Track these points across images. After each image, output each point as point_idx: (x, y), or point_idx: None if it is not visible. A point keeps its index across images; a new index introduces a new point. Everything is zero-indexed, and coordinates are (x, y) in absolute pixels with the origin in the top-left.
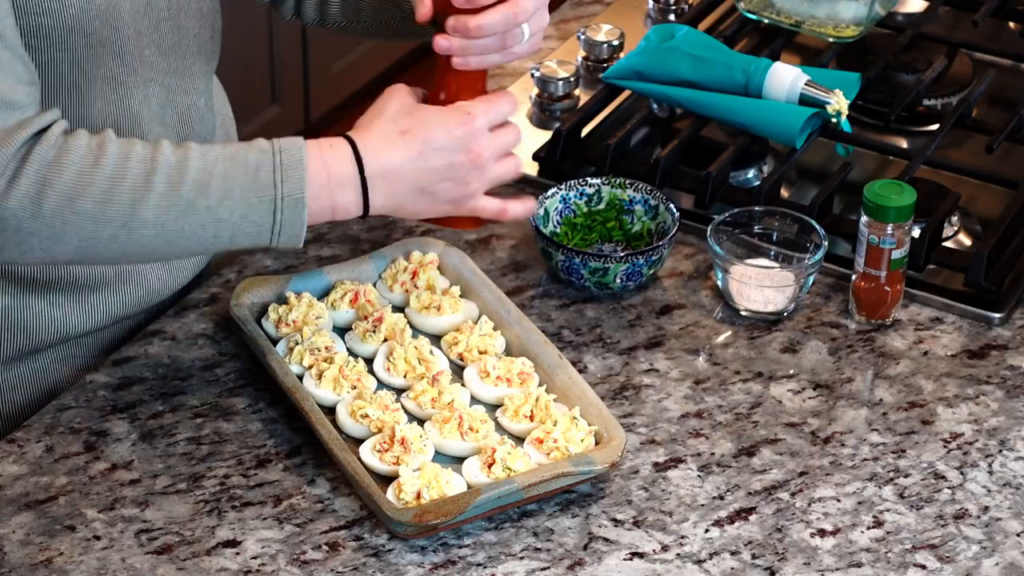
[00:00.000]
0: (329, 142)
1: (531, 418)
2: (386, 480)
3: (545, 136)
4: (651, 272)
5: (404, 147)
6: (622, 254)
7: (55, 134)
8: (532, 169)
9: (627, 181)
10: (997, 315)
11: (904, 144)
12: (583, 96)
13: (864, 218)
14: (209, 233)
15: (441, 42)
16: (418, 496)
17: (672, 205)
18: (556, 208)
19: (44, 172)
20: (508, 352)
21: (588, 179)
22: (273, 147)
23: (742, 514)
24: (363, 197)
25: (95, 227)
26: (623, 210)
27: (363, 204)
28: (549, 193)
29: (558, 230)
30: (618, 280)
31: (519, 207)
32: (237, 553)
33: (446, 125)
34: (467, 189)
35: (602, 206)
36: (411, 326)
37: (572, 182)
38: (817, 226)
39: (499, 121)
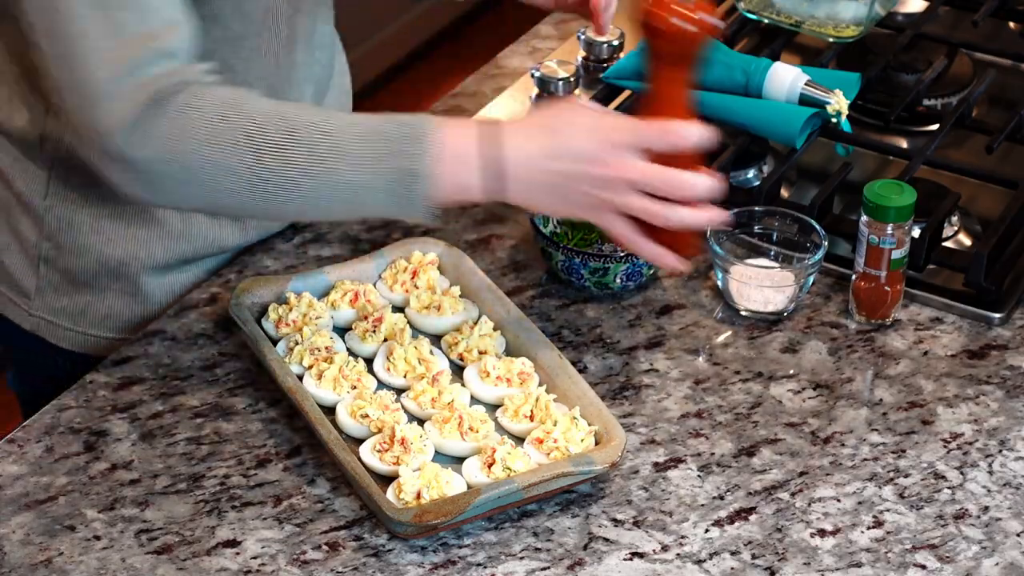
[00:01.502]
0: (458, 121)
1: (531, 418)
2: (386, 480)
3: None
4: (651, 272)
5: (545, 140)
6: (622, 254)
7: (201, 83)
8: None
9: None
10: (997, 315)
11: (904, 144)
12: (583, 96)
13: (864, 218)
14: (337, 197)
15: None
16: (418, 496)
17: None
18: None
19: (183, 118)
20: (508, 352)
21: None
22: (402, 120)
23: (742, 514)
24: (485, 179)
25: (226, 177)
26: None
27: (485, 188)
28: None
29: (558, 230)
30: (618, 280)
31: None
32: (237, 553)
33: (591, 133)
34: (594, 201)
35: None
36: (411, 326)
37: None
38: (817, 226)
39: (658, 146)
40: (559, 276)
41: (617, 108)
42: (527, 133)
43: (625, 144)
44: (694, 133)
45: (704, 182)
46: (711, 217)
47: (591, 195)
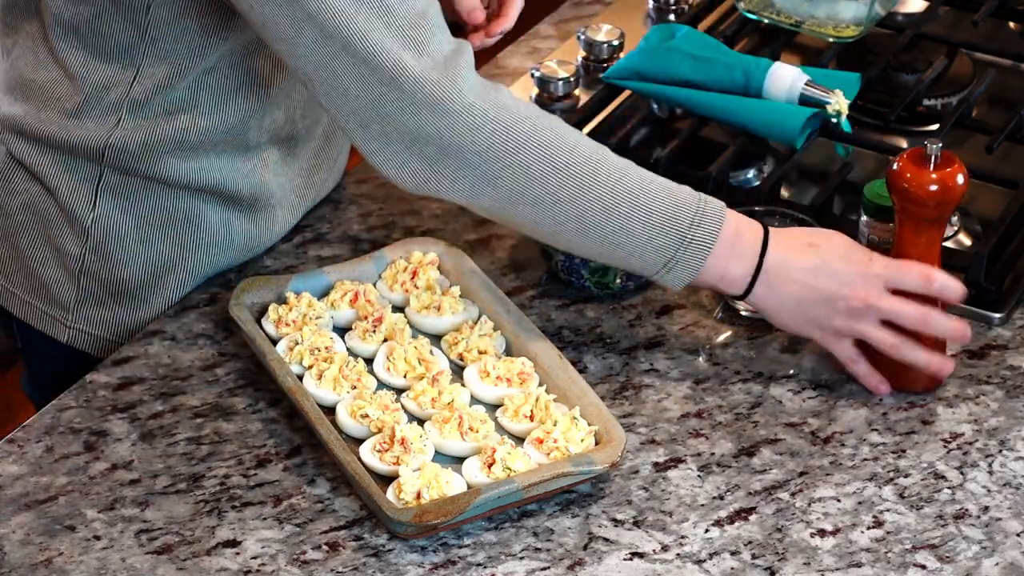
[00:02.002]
0: (747, 219)
1: (531, 418)
2: (386, 480)
3: None
4: None
5: (805, 256)
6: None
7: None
8: None
9: None
10: (997, 315)
11: (904, 144)
12: (583, 96)
13: (864, 218)
14: (612, 240)
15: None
16: (418, 496)
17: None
18: None
19: (500, 113)
20: (508, 352)
21: None
22: (700, 196)
23: (742, 514)
24: (752, 277)
25: (527, 182)
26: None
27: (749, 283)
28: None
29: None
30: (618, 280)
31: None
32: (237, 553)
33: (849, 259)
34: (835, 324)
35: None
36: (411, 326)
37: None
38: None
39: (906, 286)
40: (559, 276)
41: (617, 108)
42: (790, 244)
43: (883, 276)
44: (952, 287)
45: (958, 326)
46: (941, 367)
47: (835, 319)
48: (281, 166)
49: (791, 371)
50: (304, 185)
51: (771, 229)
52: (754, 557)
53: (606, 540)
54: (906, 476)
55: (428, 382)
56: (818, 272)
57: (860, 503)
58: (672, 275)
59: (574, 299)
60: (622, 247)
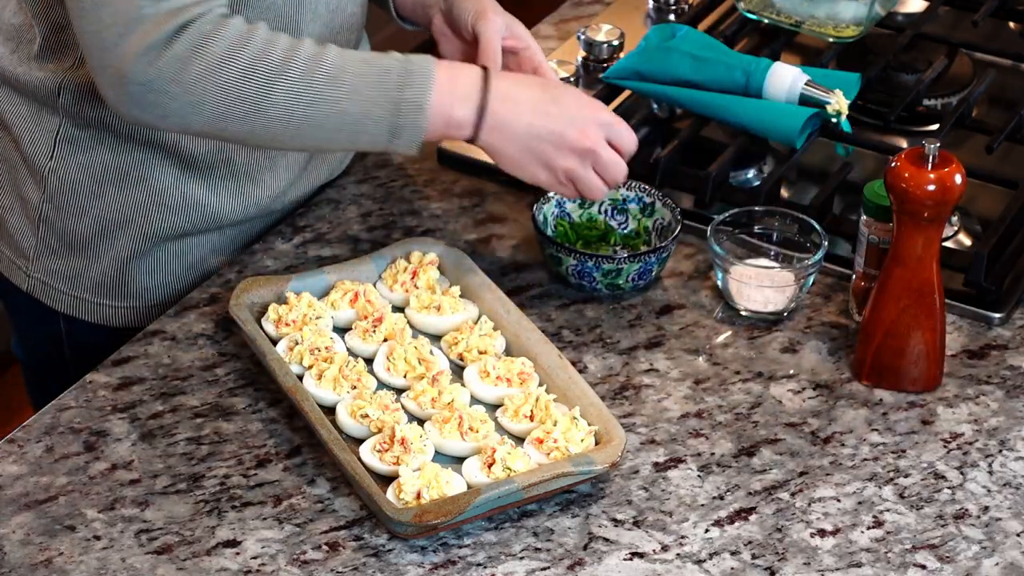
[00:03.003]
0: (463, 64)
1: (531, 418)
2: (386, 480)
3: None
4: (659, 270)
5: (534, 88)
6: (632, 254)
7: (215, 15)
8: None
9: None
10: (997, 315)
11: (904, 144)
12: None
13: (864, 218)
14: (332, 125)
15: None
16: (418, 496)
17: (670, 200)
18: (552, 213)
19: (195, 42)
20: (508, 352)
21: None
22: (405, 57)
23: (742, 514)
24: (477, 117)
25: (230, 102)
26: (618, 209)
27: (475, 124)
28: (544, 199)
29: (557, 230)
30: (630, 280)
31: None
32: (237, 553)
33: (582, 100)
34: (560, 162)
35: (593, 208)
36: (411, 326)
37: None
38: (817, 226)
39: (620, 141)
40: (568, 279)
41: (617, 108)
42: (517, 79)
43: (609, 125)
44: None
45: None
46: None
47: (562, 159)
48: None
49: (791, 371)
50: (284, 166)
51: (494, 72)
52: (754, 557)
53: (606, 540)
54: (906, 476)
55: (428, 382)
56: (548, 104)
57: (860, 503)
58: (403, 140)
59: (574, 299)
60: (343, 132)
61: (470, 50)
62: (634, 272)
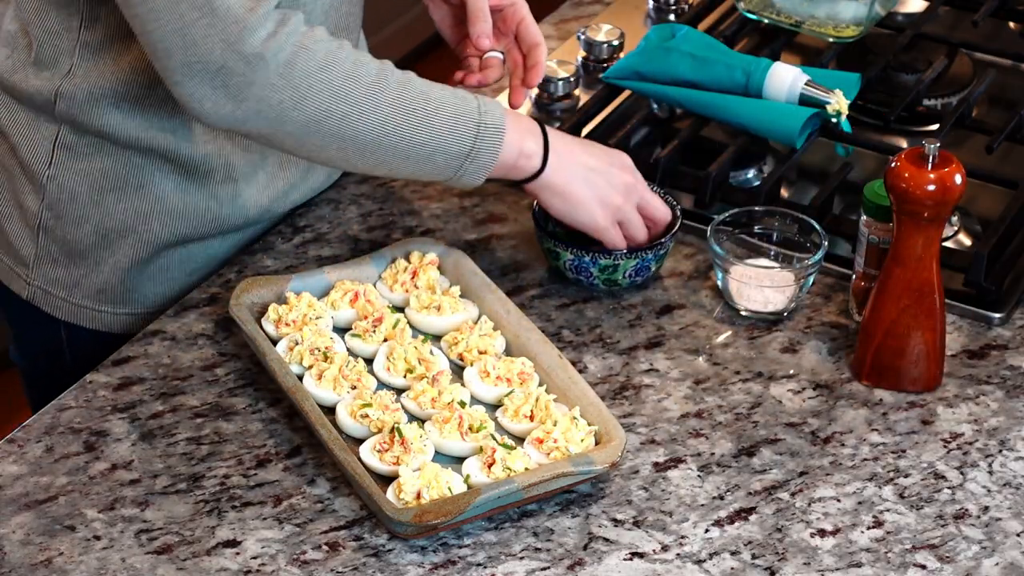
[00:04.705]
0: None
1: (531, 418)
2: (386, 480)
3: None
4: (657, 267)
5: (579, 143)
6: (629, 249)
7: (300, 17)
8: None
9: None
10: (997, 315)
11: (904, 144)
12: (583, 96)
13: (864, 218)
14: (417, 140)
15: None
16: (418, 496)
17: (670, 198)
18: None
19: (300, 37)
20: (508, 352)
21: None
22: (471, 92)
23: (742, 514)
24: (544, 150)
25: (332, 101)
26: None
27: (543, 156)
28: None
29: (556, 230)
30: (627, 277)
31: None
32: (237, 553)
33: (622, 157)
34: (612, 198)
35: None
36: (411, 326)
37: None
38: (817, 226)
39: (655, 212)
40: (564, 275)
41: (617, 108)
42: (567, 138)
43: (640, 179)
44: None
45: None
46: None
47: (610, 188)
48: (245, 138)
49: (791, 371)
50: (279, 165)
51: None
52: (754, 557)
53: (606, 540)
54: (906, 476)
55: (428, 382)
56: (585, 144)
57: (860, 503)
58: (477, 165)
59: (574, 299)
60: (424, 148)
61: (458, 12)
62: (631, 268)
